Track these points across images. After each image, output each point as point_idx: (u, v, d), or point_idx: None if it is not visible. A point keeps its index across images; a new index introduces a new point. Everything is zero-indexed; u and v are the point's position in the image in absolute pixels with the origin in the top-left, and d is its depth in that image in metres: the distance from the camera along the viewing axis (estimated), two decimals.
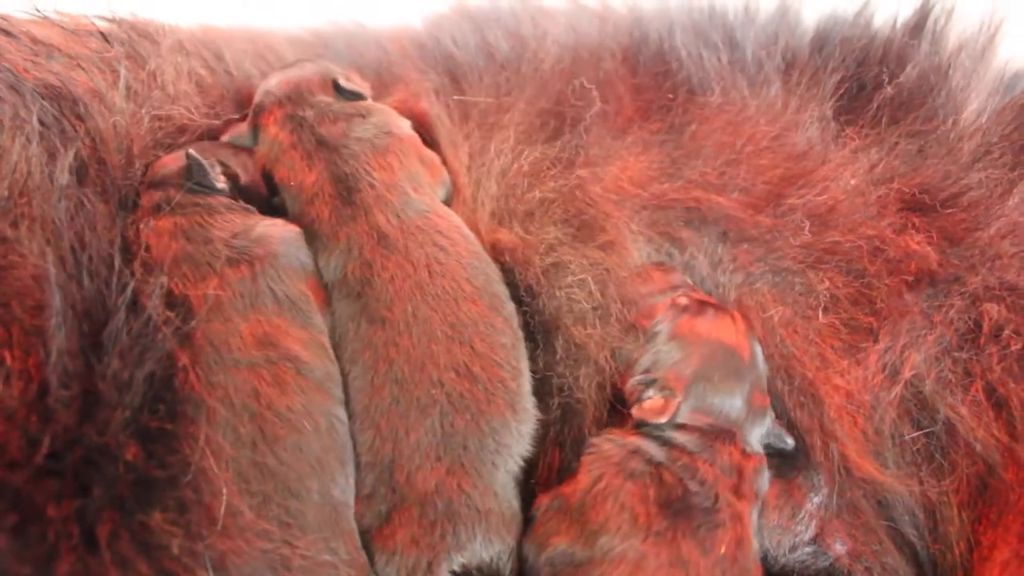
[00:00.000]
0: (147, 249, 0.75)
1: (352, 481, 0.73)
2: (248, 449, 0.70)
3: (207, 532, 0.66)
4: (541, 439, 0.79)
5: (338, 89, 0.89)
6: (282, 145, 0.85)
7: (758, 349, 0.78)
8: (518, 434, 0.75)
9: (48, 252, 0.68)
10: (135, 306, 0.70)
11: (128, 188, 0.78)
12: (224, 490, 0.67)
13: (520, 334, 0.79)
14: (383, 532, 0.72)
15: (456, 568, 0.71)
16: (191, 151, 0.81)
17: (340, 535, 0.71)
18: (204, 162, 0.80)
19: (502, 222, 0.84)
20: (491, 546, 0.72)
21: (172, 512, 0.65)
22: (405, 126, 0.88)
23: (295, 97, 0.87)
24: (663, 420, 0.74)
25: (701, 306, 0.79)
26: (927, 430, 0.76)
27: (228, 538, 0.67)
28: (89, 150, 0.72)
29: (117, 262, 0.71)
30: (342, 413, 0.75)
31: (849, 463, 0.75)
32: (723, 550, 0.69)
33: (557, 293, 0.80)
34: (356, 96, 0.89)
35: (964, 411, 0.75)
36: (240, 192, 0.84)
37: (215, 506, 0.67)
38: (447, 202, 0.87)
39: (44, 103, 0.71)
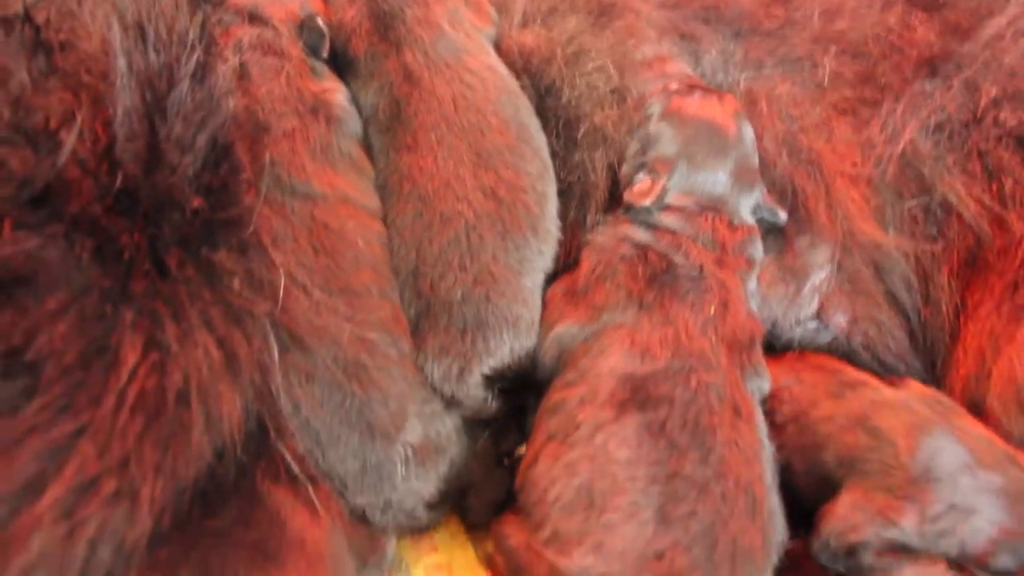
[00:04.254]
0: (244, 74, 0.80)
1: None
2: (308, 255, 0.76)
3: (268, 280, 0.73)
4: (563, 220, 0.85)
5: None
6: None
7: (746, 127, 0.83)
8: (539, 252, 0.81)
9: (114, 24, 0.74)
10: (201, 79, 0.76)
11: None
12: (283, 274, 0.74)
13: (549, 163, 0.84)
14: (416, 338, 0.78)
15: (487, 372, 0.77)
16: (318, 18, 0.85)
17: (402, 334, 0.77)
18: (324, 31, 0.85)
19: (527, 24, 0.89)
20: (520, 349, 0.78)
21: (235, 252, 0.72)
22: None
23: None
24: (648, 202, 0.80)
25: (690, 89, 0.84)
26: (924, 199, 0.82)
27: (296, 314, 0.74)
28: None
29: (191, 38, 0.76)
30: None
31: (853, 226, 0.81)
32: (711, 311, 0.76)
33: (577, 81, 0.85)
34: None
35: (959, 184, 0.81)
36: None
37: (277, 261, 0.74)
38: (496, 42, 0.90)
39: None
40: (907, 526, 0.67)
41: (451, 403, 0.77)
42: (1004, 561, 0.66)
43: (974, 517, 0.67)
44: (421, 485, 0.77)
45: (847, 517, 0.69)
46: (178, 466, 0.66)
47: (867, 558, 0.67)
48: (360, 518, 0.78)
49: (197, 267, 0.70)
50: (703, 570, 0.65)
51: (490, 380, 0.77)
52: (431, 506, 0.79)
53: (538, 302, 0.80)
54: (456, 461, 0.79)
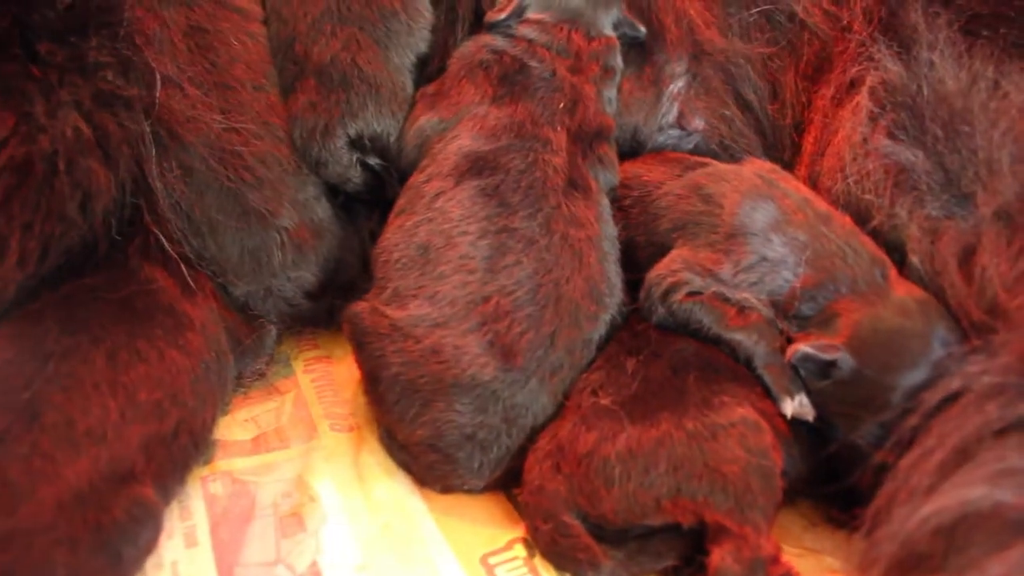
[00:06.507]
0: None
1: None
2: (184, 55, 0.81)
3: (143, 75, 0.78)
4: (434, 47, 0.90)
5: None
6: None
7: None
8: (408, 28, 0.87)
9: None
10: None
11: None
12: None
13: None
14: (288, 101, 0.84)
15: (351, 134, 0.83)
16: None
17: (278, 123, 0.83)
18: None
19: None
20: (381, 118, 0.84)
21: (107, 43, 0.77)
22: None
23: None
24: (504, 16, 0.86)
25: None
26: (767, 9, 0.87)
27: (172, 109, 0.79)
28: None
29: None
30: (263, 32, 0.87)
31: (699, 35, 0.87)
32: (560, 106, 0.82)
33: None
34: None
35: None
36: None
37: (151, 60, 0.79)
38: None
39: None
40: (723, 275, 0.73)
41: (317, 166, 0.83)
42: (804, 309, 0.71)
43: (781, 268, 0.72)
44: (299, 272, 0.83)
45: (669, 265, 0.74)
46: (47, 227, 0.72)
47: (674, 301, 0.73)
48: (242, 309, 0.84)
49: (68, 55, 0.75)
50: (527, 311, 0.71)
51: (353, 145, 0.83)
52: (310, 295, 0.85)
53: (404, 80, 0.86)
54: (333, 250, 0.85)
